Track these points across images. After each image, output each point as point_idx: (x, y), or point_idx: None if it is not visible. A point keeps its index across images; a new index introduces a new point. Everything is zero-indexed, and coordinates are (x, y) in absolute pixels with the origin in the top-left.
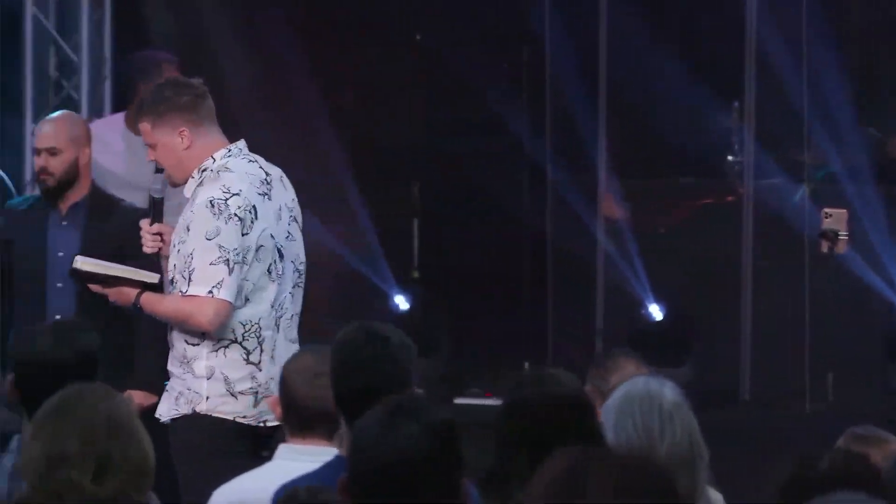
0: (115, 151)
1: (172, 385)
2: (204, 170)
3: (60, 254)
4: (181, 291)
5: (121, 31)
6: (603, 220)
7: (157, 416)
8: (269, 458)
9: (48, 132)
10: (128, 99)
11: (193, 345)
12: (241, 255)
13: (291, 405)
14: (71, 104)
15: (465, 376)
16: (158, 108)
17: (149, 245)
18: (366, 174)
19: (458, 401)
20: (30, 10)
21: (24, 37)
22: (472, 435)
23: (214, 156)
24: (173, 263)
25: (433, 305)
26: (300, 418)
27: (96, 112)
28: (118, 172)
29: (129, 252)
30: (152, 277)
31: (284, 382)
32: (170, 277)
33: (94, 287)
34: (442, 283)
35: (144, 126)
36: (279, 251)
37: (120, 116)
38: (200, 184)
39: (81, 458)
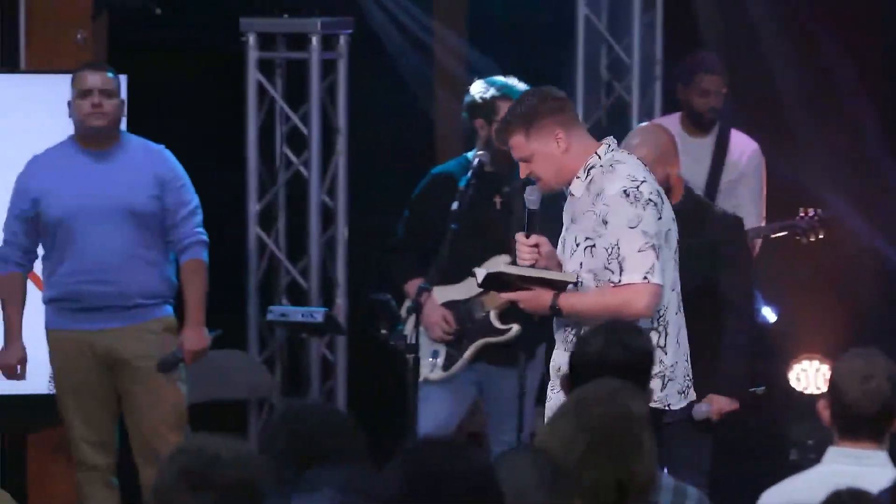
0: None
1: None
2: (591, 167)
3: None
4: (612, 283)
5: (671, 31)
6: None
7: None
8: None
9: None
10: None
11: None
12: (659, 238)
13: (841, 408)
14: (621, 106)
15: None
16: (530, 118)
17: (526, 257)
18: None
19: None
20: (582, 11)
21: (576, 38)
22: None
23: (598, 152)
24: (579, 262)
25: None
26: (849, 421)
27: (646, 113)
28: None
29: (721, 258)
30: (571, 277)
31: (834, 385)
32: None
33: (504, 294)
34: None
35: (518, 140)
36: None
37: (675, 117)
38: (591, 181)
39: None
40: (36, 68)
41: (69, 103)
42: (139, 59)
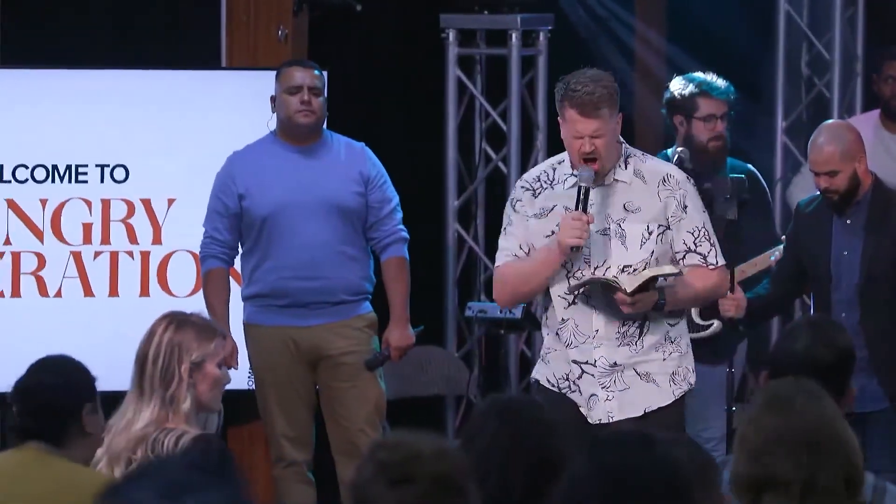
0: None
1: (652, 370)
2: (628, 156)
3: (845, 253)
4: (711, 265)
5: (873, 28)
6: None
7: (645, 410)
8: None
9: (822, 158)
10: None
11: (675, 324)
12: None
13: None
14: (822, 102)
15: None
16: (614, 98)
17: (583, 235)
18: None
19: None
20: (783, 7)
21: (777, 34)
22: None
23: (622, 141)
24: (650, 250)
25: None
26: None
27: (847, 110)
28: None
29: None
30: (674, 269)
31: None
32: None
33: (621, 297)
34: None
35: (605, 113)
36: None
37: (874, 113)
38: (635, 169)
39: (788, 482)
40: (237, 65)
41: (272, 98)
42: (339, 54)
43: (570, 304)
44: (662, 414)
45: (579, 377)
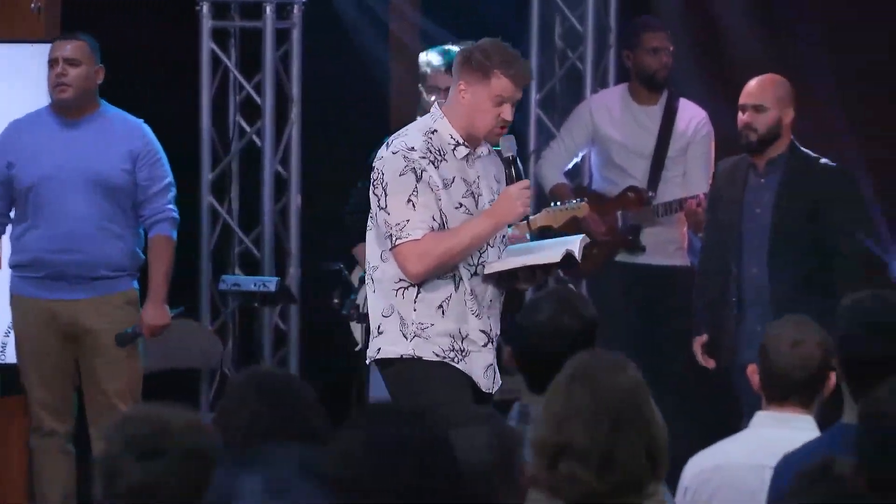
0: (614, 119)
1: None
2: None
3: (757, 210)
4: None
5: (625, 1)
6: None
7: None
8: None
9: (755, 89)
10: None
11: None
12: None
13: (770, 373)
14: (576, 75)
15: None
16: None
17: (529, 203)
18: None
19: None
20: None
21: (530, 6)
22: None
23: None
24: None
25: None
26: (778, 386)
27: (601, 82)
28: (617, 138)
29: (823, 210)
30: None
31: (764, 350)
32: None
33: None
34: None
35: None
36: None
37: (620, 88)
38: None
39: (586, 452)
40: None
41: None
42: (94, 26)
43: (472, 275)
44: None
45: (484, 345)
